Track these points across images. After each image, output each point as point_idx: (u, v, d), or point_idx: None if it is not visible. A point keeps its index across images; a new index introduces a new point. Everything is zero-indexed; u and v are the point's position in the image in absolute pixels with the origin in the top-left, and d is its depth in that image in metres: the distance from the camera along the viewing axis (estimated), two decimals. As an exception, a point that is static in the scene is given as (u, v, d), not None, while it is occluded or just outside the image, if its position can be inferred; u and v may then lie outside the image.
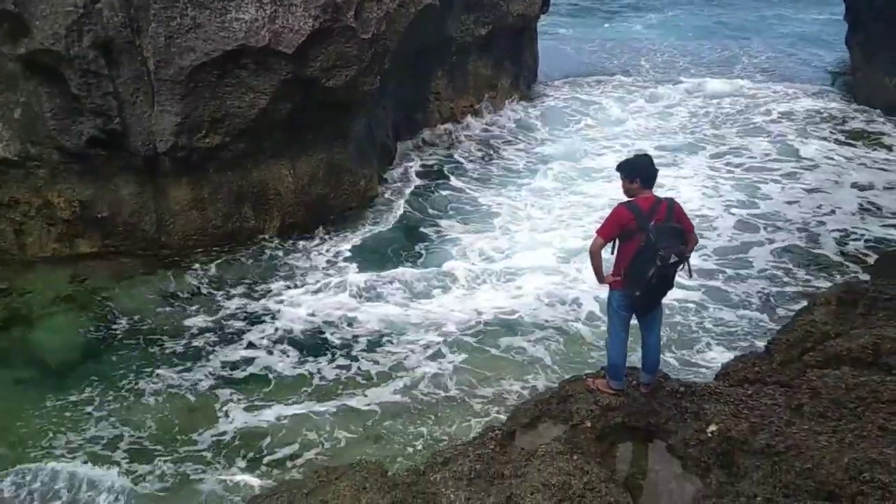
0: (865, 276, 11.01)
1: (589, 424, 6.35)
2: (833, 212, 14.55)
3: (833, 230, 13.82)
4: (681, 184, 15.75)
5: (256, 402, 9.44)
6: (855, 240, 13.50)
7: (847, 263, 12.60)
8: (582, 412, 6.43)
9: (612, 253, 6.08)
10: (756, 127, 19.16)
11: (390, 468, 6.12)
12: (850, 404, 5.91)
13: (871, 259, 12.39)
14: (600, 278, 6.14)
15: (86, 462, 8.41)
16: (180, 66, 11.58)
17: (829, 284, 11.12)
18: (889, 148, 17.72)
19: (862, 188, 15.59)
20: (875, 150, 17.61)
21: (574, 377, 7.13)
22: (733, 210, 14.79)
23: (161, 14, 11.38)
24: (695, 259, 11.36)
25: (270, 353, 10.53)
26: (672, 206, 5.88)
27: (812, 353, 6.89)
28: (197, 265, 12.43)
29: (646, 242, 5.70)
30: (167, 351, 10.51)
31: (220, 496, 7.88)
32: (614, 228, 5.91)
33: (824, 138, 18.30)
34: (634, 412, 6.40)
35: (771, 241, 13.55)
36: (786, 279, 12.21)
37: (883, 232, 13.79)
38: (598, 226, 6.07)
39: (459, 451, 6.14)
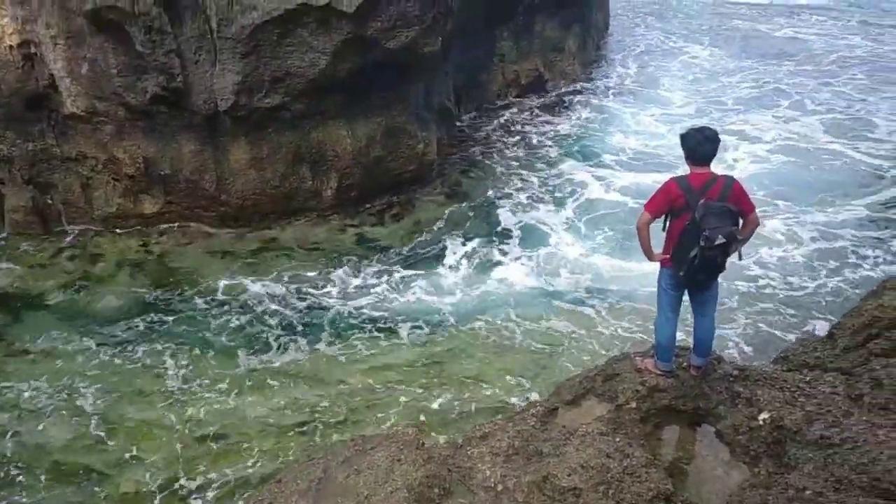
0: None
1: (634, 405, 6.17)
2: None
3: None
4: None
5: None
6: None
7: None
8: (627, 392, 6.25)
9: (664, 230, 5.80)
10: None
11: (428, 439, 6.06)
12: (916, 398, 5.56)
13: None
14: (649, 255, 5.89)
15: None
16: (242, 25, 11.58)
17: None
18: None
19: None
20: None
21: (622, 355, 6.94)
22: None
23: (224, -28, 11.37)
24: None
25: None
26: (729, 185, 5.51)
27: (877, 341, 6.51)
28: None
29: (692, 221, 5.41)
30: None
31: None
32: (662, 204, 5.62)
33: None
34: (682, 395, 6.19)
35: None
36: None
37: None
38: (647, 200, 5.79)
39: (499, 426, 6.04)
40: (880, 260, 11.46)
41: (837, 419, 5.56)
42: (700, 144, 5.54)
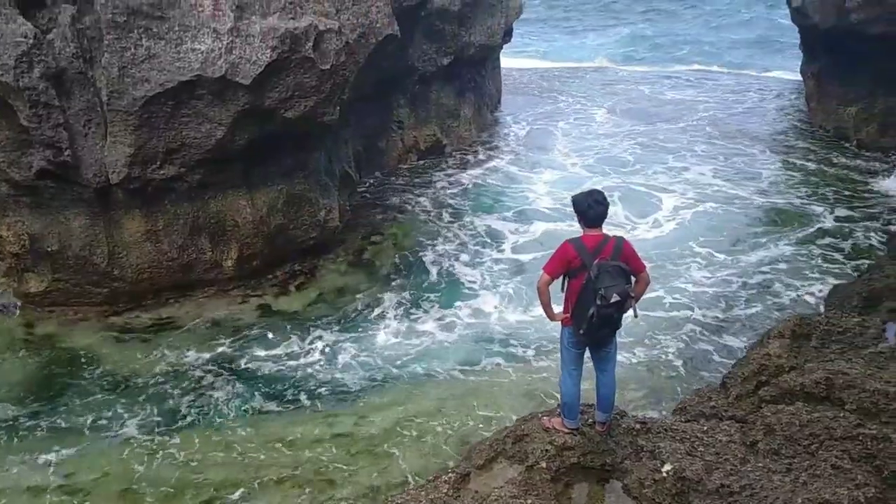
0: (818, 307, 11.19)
1: (544, 465, 6.24)
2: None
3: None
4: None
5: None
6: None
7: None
8: (537, 452, 6.33)
9: (563, 290, 6.00)
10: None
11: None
12: (804, 441, 5.88)
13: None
14: (549, 314, 6.07)
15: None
16: (134, 97, 11.36)
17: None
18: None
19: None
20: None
21: (530, 415, 7.03)
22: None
23: (114, 44, 11.17)
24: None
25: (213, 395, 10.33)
26: (620, 245, 5.80)
27: (766, 388, 6.87)
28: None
29: (587, 280, 5.63)
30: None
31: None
32: (560, 265, 5.84)
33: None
34: (590, 451, 6.31)
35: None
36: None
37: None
38: (546, 262, 6.01)
39: (412, 496, 5.98)
40: (801, 292, 12.35)
41: (735, 467, 5.80)
42: (590, 207, 5.81)
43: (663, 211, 15.87)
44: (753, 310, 11.85)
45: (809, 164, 18.39)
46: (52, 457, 9.03)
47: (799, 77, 23.73)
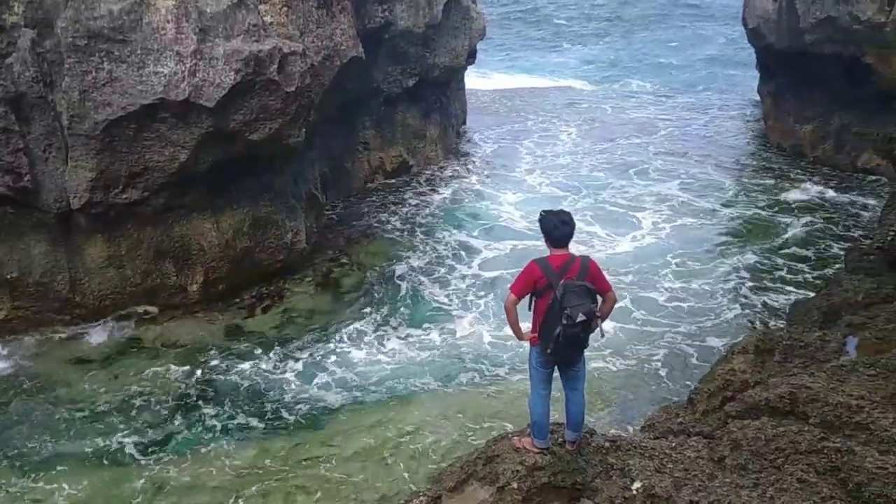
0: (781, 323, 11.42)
1: (515, 486, 6.21)
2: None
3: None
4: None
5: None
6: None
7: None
8: (508, 473, 6.30)
9: (530, 309, 6.02)
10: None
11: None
12: (770, 455, 5.94)
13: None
14: (517, 334, 6.08)
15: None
16: (95, 121, 11.25)
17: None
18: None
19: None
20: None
21: (501, 435, 7.02)
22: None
23: (75, 68, 11.07)
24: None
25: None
26: (586, 265, 5.82)
27: (732, 403, 6.95)
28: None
29: (554, 300, 5.66)
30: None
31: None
32: (526, 285, 5.86)
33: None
34: (560, 471, 6.30)
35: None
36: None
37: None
38: (512, 281, 6.03)
39: (382, 521, 5.92)
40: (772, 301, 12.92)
41: (703, 483, 5.84)
42: (556, 227, 5.84)
43: (638, 227, 16.13)
44: (729, 317, 12.25)
45: (769, 179, 18.80)
46: (47, 477, 9.00)
47: (757, 96, 24.26)
